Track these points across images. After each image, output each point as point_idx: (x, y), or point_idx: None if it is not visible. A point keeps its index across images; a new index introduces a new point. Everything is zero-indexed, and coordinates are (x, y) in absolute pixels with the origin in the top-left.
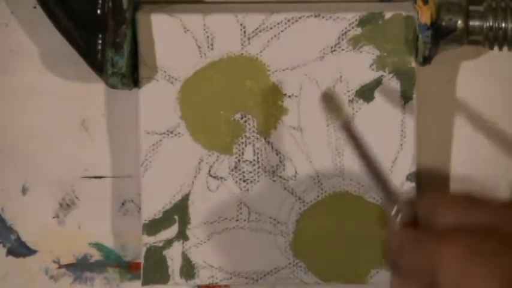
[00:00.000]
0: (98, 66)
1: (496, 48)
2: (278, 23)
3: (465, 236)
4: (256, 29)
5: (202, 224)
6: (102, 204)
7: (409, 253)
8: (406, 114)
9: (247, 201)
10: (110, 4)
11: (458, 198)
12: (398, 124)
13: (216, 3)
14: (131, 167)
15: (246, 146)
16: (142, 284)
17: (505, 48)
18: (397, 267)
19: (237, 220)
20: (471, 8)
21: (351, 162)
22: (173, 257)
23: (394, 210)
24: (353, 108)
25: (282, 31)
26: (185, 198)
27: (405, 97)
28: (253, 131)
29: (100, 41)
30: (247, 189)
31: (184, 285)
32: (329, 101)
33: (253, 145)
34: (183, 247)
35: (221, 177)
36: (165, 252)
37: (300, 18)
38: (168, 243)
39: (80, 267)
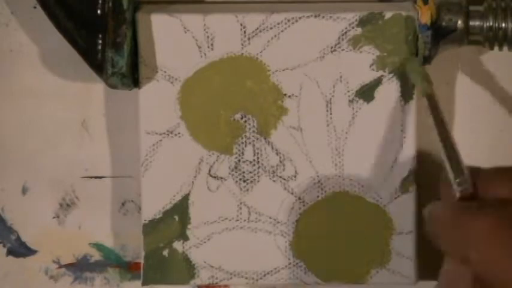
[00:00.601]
0: (98, 66)
1: (496, 48)
2: (278, 23)
3: (498, 210)
4: (256, 29)
5: (203, 224)
6: (102, 205)
7: (446, 225)
8: (406, 114)
9: (247, 201)
10: (110, 4)
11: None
12: (398, 124)
13: (216, 3)
14: (131, 167)
15: (246, 146)
16: (143, 284)
17: (505, 48)
18: (436, 239)
19: (237, 220)
20: (471, 8)
21: (351, 162)
22: (173, 257)
23: (458, 181)
24: (353, 108)
25: (282, 31)
26: (185, 198)
27: (405, 97)
28: (253, 131)
29: (100, 41)
30: (247, 189)
31: (184, 285)
32: (416, 69)
33: (253, 145)
34: (183, 247)
35: (221, 177)
36: (165, 252)
37: (300, 18)
38: (168, 243)
39: (80, 267)
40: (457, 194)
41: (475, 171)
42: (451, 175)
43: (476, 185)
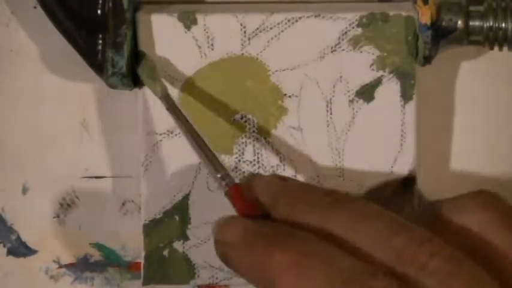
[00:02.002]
0: (98, 66)
1: (496, 48)
2: (278, 23)
3: (299, 242)
4: (256, 29)
5: (203, 224)
6: (102, 204)
7: (242, 255)
8: (406, 114)
9: None
10: (110, 4)
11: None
12: (398, 124)
13: (216, 3)
14: (131, 167)
15: (246, 146)
16: (143, 284)
17: (505, 49)
18: (227, 261)
19: None
20: (471, 8)
21: (351, 162)
22: (173, 257)
23: (220, 176)
24: (353, 109)
25: (282, 31)
26: (185, 198)
27: (405, 97)
28: (254, 131)
29: (100, 41)
30: None
31: (184, 285)
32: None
33: (254, 145)
34: (183, 247)
35: None
36: (165, 252)
37: (300, 18)
38: (169, 243)
39: (80, 267)
40: (224, 189)
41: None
42: (212, 172)
43: (248, 187)
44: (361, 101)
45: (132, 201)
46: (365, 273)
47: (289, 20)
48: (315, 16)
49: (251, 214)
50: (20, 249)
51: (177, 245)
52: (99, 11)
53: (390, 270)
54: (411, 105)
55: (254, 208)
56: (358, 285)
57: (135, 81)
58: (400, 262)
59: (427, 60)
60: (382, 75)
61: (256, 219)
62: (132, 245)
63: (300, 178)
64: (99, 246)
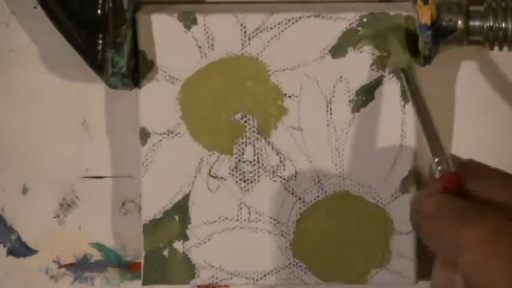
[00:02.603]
0: (98, 67)
1: (496, 48)
2: (278, 23)
3: (490, 221)
4: (256, 29)
5: (203, 224)
6: (102, 204)
7: (434, 225)
8: (406, 114)
9: (247, 201)
10: (110, 4)
11: (500, 173)
12: (399, 124)
13: (216, 3)
14: (131, 167)
15: (246, 146)
16: (143, 284)
17: (505, 49)
18: (419, 230)
19: (237, 220)
20: (471, 8)
21: (351, 162)
22: (173, 257)
23: (436, 161)
24: (353, 109)
25: (282, 31)
26: (185, 198)
27: (405, 97)
28: (254, 131)
29: (100, 41)
30: (248, 190)
31: (184, 285)
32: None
33: (254, 145)
34: (183, 247)
35: (221, 177)
36: (165, 252)
37: (300, 18)
38: (169, 243)
39: (80, 267)
40: (437, 174)
41: (462, 163)
42: (431, 154)
43: (461, 177)
44: (361, 101)
45: (132, 201)
46: None
47: (289, 20)
48: (315, 16)
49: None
50: (20, 249)
51: (177, 245)
52: (99, 11)
53: None
54: (411, 105)
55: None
56: None
57: (135, 81)
58: None
59: (427, 60)
60: (382, 75)
61: (452, 195)
62: (132, 245)
63: (300, 178)
64: (99, 246)
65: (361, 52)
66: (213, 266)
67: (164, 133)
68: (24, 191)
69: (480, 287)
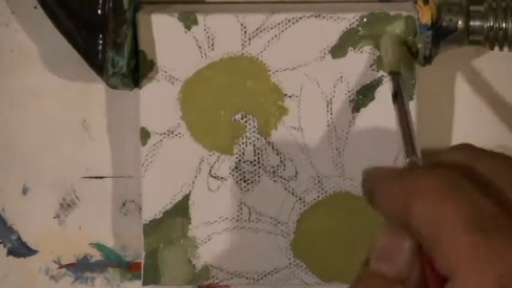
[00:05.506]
0: (99, 67)
1: (496, 48)
2: (279, 23)
3: (443, 172)
4: (256, 29)
5: (203, 224)
6: (102, 205)
7: (387, 184)
8: None
9: (247, 202)
10: (111, 4)
11: (473, 147)
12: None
13: (216, 3)
14: (132, 167)
15: (246, 146)
16: (143, 284)
17: (506, 49)
18: (371, 196)
19: (237, 220)
20: (472, 8)
21: (351, 162)
22: (173, 257)
23: (408, 162)
24: (353, 109)
25: (282, 31)
26: (186, 199)
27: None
28: (254, 131)
29: (100, 41)
30: (248, 190)
31: (184, 285)
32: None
33: (254, 145)
34: (184, 247)
35: (222, 178)
36: (165, 253)
37: (300, 18)
38: (169, 243)
39: (80, 267)
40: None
41: (436, 153)
42: (404, 154)
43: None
44: (361, 101)
45: (132, 201)
46: (502, 216)
47: (289, 20)
48: (315, 16)
49: None
50: (20, 249)
51: (177, 245)
52: (99, 11)
53: None
54: (411, 105)
55: None
56: (492, 224)
57: (136, 81)
58: None
59: (427, 60)
60: (382, 76)
61: None
62: (132, 245)
63: (300, 178)
64: (99, 246)
65: (362, 52)
66: (213, 266)
67: (164, 133)
68: (24, 191)
69: (434, 237)
